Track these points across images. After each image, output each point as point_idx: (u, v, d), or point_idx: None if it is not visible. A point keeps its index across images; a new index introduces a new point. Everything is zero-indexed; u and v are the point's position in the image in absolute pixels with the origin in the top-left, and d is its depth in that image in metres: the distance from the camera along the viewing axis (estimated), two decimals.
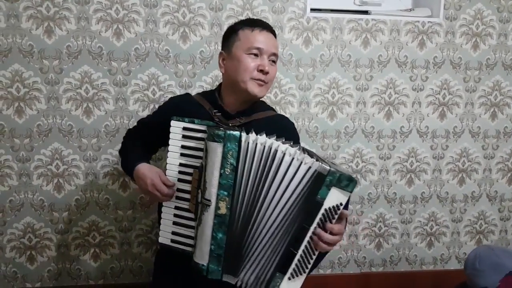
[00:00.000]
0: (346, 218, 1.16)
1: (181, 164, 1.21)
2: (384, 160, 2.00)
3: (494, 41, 1.96)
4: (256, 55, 1.28)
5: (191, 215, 1.20)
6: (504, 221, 2.13)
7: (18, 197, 1.79)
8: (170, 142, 1.22)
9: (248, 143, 1.11)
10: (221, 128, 1.13)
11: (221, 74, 1.85)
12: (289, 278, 1.13)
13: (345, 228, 1.15)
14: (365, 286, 2.06)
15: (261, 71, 1.27)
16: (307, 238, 1.10)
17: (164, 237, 1.24)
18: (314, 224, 1.09)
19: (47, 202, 1.81)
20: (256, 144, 1.11)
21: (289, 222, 1.11)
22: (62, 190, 1.81)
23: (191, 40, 1.78)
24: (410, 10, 1.97)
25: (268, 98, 1.86)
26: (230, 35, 1.33)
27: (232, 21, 1.77)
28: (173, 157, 1.22)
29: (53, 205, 1.81)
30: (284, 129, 1.31)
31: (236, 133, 1.10)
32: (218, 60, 1.37)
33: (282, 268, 1.12)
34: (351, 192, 1.07)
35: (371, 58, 1.90)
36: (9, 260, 1.83)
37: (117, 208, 1.85)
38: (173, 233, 1.23)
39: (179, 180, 1.22)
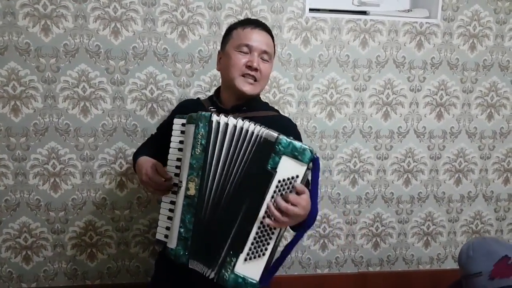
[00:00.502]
0: (309, 195, 1.07)
1: (178, 159, 1.22)
2: (382, 160, 2.00)
3: (491, 42, 1.98)
4: (246, 52, 1.30)
5: (177, 206, 1.19)
6: (500, 221, 2.14)
7: (14, 196, 1.77)
8: (172, 139, 1.24)
9: (219, 123, 1.10)
10: (193, 113, 1.17)
11: (219, 73, 1.87)
12: (246, 260, 1.06)
13: (306, 203, 1.06)
14: (362, 285, 2.07)
15: (249, 67, 1.29)
16: (261, 212, 1.04)
17: (160, 233, 1.23)
18: (268, 196, 1.03)
19: (43, 201, 1.79)
20: (227, 124, 1.09)
21: (241, 195, 1.07)
22: (58, 190, 1.80)
23: (189, 39, 1.77)
24: (408, 11, 1.98)
25: (267, 98, 1.86)
26: (226, 35, 1.38)
27: (231, 20, 1.78)
28: (173, 153, 1.24)
29: (50, 204, 1.80)
30: (285, 129, 1.14)
31: (207, 113, 1.12)
32: (217, 58, 1.42)
33: (236, 247, 1.05)
34: (307, 163, 1.01)
35: (369, 58, 1.91)
36: (4, 260, 1.81)
37: (114, 207, 1.84)
38: (168, 228, 1.20)
39: (176, 174, 1.22)
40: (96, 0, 1.69)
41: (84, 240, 1.84)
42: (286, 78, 1.86)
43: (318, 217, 1.99)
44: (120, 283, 1.89)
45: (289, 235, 1.75)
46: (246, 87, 1.31)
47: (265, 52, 1.32)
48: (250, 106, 1.36)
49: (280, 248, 1.14)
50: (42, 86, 1.72)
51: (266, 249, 1.06)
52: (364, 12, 1.92)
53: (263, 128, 1.07)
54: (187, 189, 1.12)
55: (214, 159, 1.11)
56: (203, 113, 1.13)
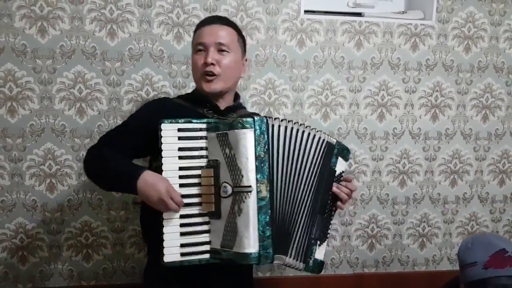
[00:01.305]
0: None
1: (181, 168, 1.16)
2: (377, 161, 2.01)
3: (485, 43, 1.99)
4: (202, 50, 1.30)
5: (202, 219, 1.17)
6: (496, 222, 2.14)
7: (10, 197, 1.78)
8: (164, 147, 1.15)
9: (273, 125, 1.18)
10: (237, 119, 1.17)
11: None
12: (319, 245, 1.27)
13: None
14: (358, 287, 2.07)
15: (205, 64, 1.28)
16: (328, 203, 1.28)
17: (171, 254, 1.14)
18: (331, 190, 1.27)
19: (39, 202, 1.80)
20: (279, 125, 1.19)
21: (314, 191, 1.24)
22: (54, 190, 1.80)
23: (185, 41, 1.78)
24: (403, 12, 1.99)
25: (262, 99, 1.87)
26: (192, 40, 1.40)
27: None
28: (171, 162, 1.15)
29: (46, 205, 1.81)
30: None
31: (263, 118, 1.16)
32: None
33: (316, 235, 1.26)
34: (348, 161, 1.32)
35: (364, 60, 1.92)
36: (0, 261, 1.81)
37: (109, 208, 1.85)
38: (182, 245, 1.15)
39: (182, 185, 1.16)
40: (92, 1, 1.71)
41: (80, 241, 1.85)
42: (281, 80, 1.87)
43: None
44: (116, 283, 1.89)
45: None
46: (205, 86, 1.30)
47: (220, 43, 1.29)
48: (237, 106, 1.39)
49: None
50: (39, 87, 1.74)
51: (329, 233, 1.30)
52: (359, 14, 1.93)
53: (320, 133, 1.26)
54: (259, 192, 1.13)
55: (279, 160, 1.19)
56: (258, 118, 1.15)
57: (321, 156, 1.24)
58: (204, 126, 1.18)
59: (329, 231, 1.30)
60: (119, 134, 1.29)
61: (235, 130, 1.13)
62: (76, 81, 1.75)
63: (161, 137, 1.15)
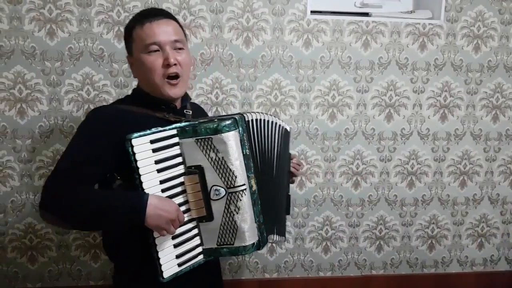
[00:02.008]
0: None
1: (162, 181, 1.10)
2: (385, 162, 1.99)
3: (495, 43, 1.96)
4: (157, 50, 1.16)
5: (191, 225, 1.16)
6: (506, 224, 2.11)
7: (19, 197, 1.80)
8: (139, 164, 1.05)
9: (249, 121, 1.21)
10: (215, 120, 1.15)
11: (222, 75, 1.88)
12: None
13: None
14: None
15: (167, 65, 1.16)
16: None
17: (169, 268, 1.11)
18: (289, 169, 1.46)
19: None
20: (253, 120, 1.22)
21: (282, 171, 1.36)
22: None
23: (191, 42, 1.79)
24: (411, 12, 1.97)
25: (268, 100, 1.87)
26: (128, 38, 1.23)
27: (232, 23, 1.79)
28: (151, 178, 1.08)
29: None
30: (199, 108, 1.53)
31: (241, 115, 1.18)
32: (129, 64, 1.28)
33: (287, 210, 1.45)
34: None
35: (371, 60, 1.90)
36: (10, 260, 1.84)
37: None
38: (178, 256, 1.14)
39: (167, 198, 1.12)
40: (100, 4, 1.72)
41: (88, 241, 1.87)
42: (288, 80, 1.87)
43: (320, 220, 1.99)
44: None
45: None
46: (172, 91, 1.19)
47: (176, 41, 1.18)
48: (187, 99, 1.33)
49: None
50: (47, 89, 1.76)
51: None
52: (366, 14, 1.92)
53: (277, 120, 1.35)
54: (251, 187, 1.17)
55: (258, 151, 1.24)
56: (237, 117, 1.15)
57: (284, 141, 1.36)
58: (174, 132, 1.13)
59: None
60: (81, 165, 1.07)
61: (222, 134, 1.10)
62: (84, 83, 1.76)
63: (134, 153, 1.05)
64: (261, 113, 1.29)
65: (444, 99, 1.98)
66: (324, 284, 2.03)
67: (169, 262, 1.12)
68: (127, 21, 1.69)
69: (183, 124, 1.16)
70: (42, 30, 1.71)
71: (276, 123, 1.33)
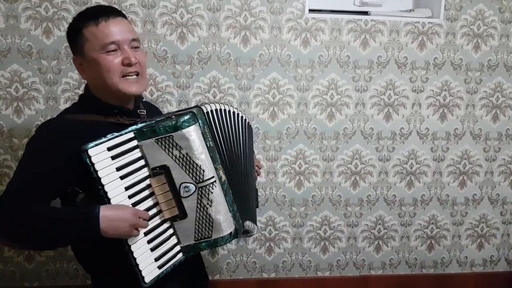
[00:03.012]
0: None
1: (127, 188, 1.07)
2: (384, 162, 1.98)
3: (495, 42, 1.94)
4: (114, 50, 1.11)
5: (165, 226, 1.14)
6: (506, 224, 2.09)
7: None
8: (100, 174, 1.02)
9: (208, 112, 1.19)
10: (172, 117, 1.14)
11: (219, 74, 1.86)
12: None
13: None
14: None
15: (128, 64, 1.11)
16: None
17: (150, 272, 1.10)
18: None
19: None
20: (212, 110, 1.21)
21: (252, 157, 1.40)
22: None
23: (188, 41, 1.78)
24: (410, 11, 1.96)
25: (266, 99, 1.86)
26: (76, 37, 1.14)
27: (230, 22, 1.78)
28: (115, 186, 1.05)
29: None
30: (154, 108, 1.47)
31: (199, 108, 1.16)
32: (75, 66, 1.19)
33: (256, 203, 1.45)
34: None
35: (370, 59, 1.89)
36: (7, 259, 1.84)
37: None
38: (156, 259, 1.11)
39: (134, 204, 1.08)
40: (96, 2, 1.71)
41: None
42: (286, 79, 1.86)
43: (318, 219, 1.98)
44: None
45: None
46: (133, 88, 1.14)
47: (133, 39, 1.14)
48: (140, 99, 1.26)
49: None
50: (44, 88, 1.75)
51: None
52: (365, 13, 1.91)
53: (239, 111, 1.35)
54: (220, 178, 1.16)
55: (222, 141, 1.22)
56: (195, 110, 1.14)
57: (248, 131, 1.37)
58: (132, 135, 1.09)
59: None
60: (32, 183, 1.02)
61: (182, 130, 1.07)
62: (81, 82, 1.76)
63: (93, 164, 1.00)
64: (220, 103, 1.27)
65: (444, 99, 1.96)
66: (322, 284, 2.02)
67: (149, 267, 1.10)
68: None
69: (139, 125, 1.11)
70: (39, 29, 1.71)
71: (236, 113, 1.33)
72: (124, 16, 1.17)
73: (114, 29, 1.11)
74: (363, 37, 1.87)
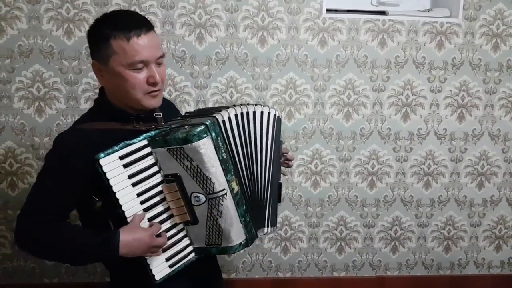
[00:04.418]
0: None
1: (139, 194, 1.08)
2: (401, 162, 1.97)
3: None
4: (141, 68, 1.09)
5: (177, 229, 1.15)
6: None
7: None
8: (112, 182, 1.03)
9: (224, 121, 1.14)
10: (186, 126, 1.08)
11: (237, 74, 1.85)
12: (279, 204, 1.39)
13: None
14: None
15: (153, 83, 1.10)
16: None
17: (160, 271, 1.12)
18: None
19: None
20: (229, 117, 1.16)
21: (275, 161, 1.28)
22: None
23: (207, 41, 1.79)
24: (429, 10, 1.95)
25: (283, 99, 1.87)
26: (101, 45, 1.09)
27: (247, 22, 1.79)
28: (126, 193, 1.06)
29: None
30: (171, 106, 1.42)
31: (212, 118, 1.11)
32: (93, 69, 1.14)
33: (279, 199, 1.37)
34: None
35: (388, 59, 1.88)
36: (28, 256, 1.87)
37: None
38: (167, 259, 1.14)
39: (146, 209, 1.10)
40: (116, 4, 1.74)
41: None
42: (303, 79, 1.86)
43: (334, 220, 1.98)
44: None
45: None
46: (153, 102, 1.13)
47: (160, 57, 1.12)
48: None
49: None
50: (65, 88, 1.78)
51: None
52: (383, 12, 1.90)
53: (268, 108, 1.25)
54: (232, 190, 1.13)
55: (238, 149, 1.17)
56: (208, 121, 1.08)
57: (274, 129, 1.26)
58: (145, 142, 1.08)
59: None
60: (52, 197, 1.06)
61: (193, 144, 1.04)
62: None
63: (105, 173, 1.02)
64: (239, 106, 1.20)
65: (462, 99, 1.95)
66: (338, 285, 2.02)
67: (159, 266, 1.12)
68: None
69: (153, 133, 1.11)
70: (60, 30, 1.74)
71: (259, 112, 1.22)
72: (153, 29, 1.13)
73: (145, 47, 1.07)
74: (380, 37, 1.86)
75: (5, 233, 1.85)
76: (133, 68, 1.07)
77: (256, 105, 1.24)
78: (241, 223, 1.17)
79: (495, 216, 2.05)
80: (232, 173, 1.14)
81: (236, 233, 1.16)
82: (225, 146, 1.13)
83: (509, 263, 2.10)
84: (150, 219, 1.10)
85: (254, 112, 1.21)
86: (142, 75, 1.08)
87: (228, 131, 1.15)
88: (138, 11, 1.74)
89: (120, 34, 1.05)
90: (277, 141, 1.29)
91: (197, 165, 1.08)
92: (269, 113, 1.24)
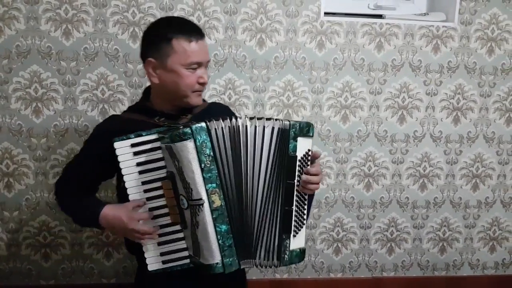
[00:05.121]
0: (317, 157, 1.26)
1: (144, 182, 1.16)
2: (397, 164, 1.99)
3: (510, 45, 1.95)
4: (195, 68, 1.22)
5: (176, 228, 1.17)
6: None
7: (34, 195, 1.82)
8: (122, 165, 1.15)
9: (216, 129, 1.12)
10: (180, 127, 1.10)
11: (235, 76, 1.85)
12: (294, 236, 1.19)
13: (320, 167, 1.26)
14: None
15: (202, 84, 1.25)
16: (295, 192, 1.18)
17: (154, 263, 1.18)
18: (297, 177, 1.17)
19: None
20: (222, 127, 1.12)
21: (275, 184, 1.16)
22: None
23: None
24: (425, 14, 1.97)
25: (281, 101, 1.88)
26: (162, 44, 1.21)
27: (246, 25, 1.80)
28: (132, 179, 1.16)
29: None
30: (224, 113, 1.29)
31: (203, 124, 1.09)
32: (145, 67, 1.26)
33: (286, 229, 1.17)
34: (312, 136, 1.19)
35: (384, 62, 1.90)
36: (24, 258, 1.86)
37: None
38: (162, 254, 1.18)
39: (149, 198, 1.17)
40: (115, 5, 1.74)
41: (101, 240, 1.88)
42: (300, 82, 1.87)
43: (331, 221, 2.00)
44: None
45: None
46: (197, 100, 1.27)
47: (208, 61, 1.28)
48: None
49: None
50: (63, 89, 1.78)
51: (305, 219, 1.21)
52: (379, 16, 1.92)
53: (272, 121, 1.16)
54: (211, 202, 1.10)
55: (229, 163, 1.13)
56: (197, 125, 1.09)
57: (275, 145, 1.15)
58: (155, 136, 1.15)
59: (304, 218, 1.21)
60: (79, 167, 1.31)
61: (176, 144, 1.07)
62: (99, 83, 1.78)
63: (117, 156, 1.15)
64: (246, 117, 1.15)
65: (457, 102, 1.97)
66: (334, 286, 2.04)
67: (153, 258, 1.18)
68: (141, 22, 1.74)
69: (162, 129, 1.17)
70: (58, 30, 1.73)
71: (259, 127, 1.15)
72: (205, 37, 1.28)
73: (201, 51, 1.22)
74: (378, 40, 1.88)
75: (1, 234, 1.83)
76: (189, 68, 1.21)
77: (259, 119, 1.16)
78: (217, 242, 1.11)
79: (489, 217, 2.08)
80: (215, 185, 1.10)
81: (209, 252, 1.11)
82: (212, 155, 1.10)
83: (503, 264, 2.13)
84: (150, 209, 1.17)
85: (247, 128, 1.14)
86: (194, 75, 1.22)
87: (220, 141, 1.13)
88: (137, 12, 1.75)
89: (183, 37, 1.20)
90: (281, 160, 1.15)
91: (181, 167, 1.10)
92: (270, 128, 1.15)
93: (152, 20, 1.73)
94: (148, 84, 1.34)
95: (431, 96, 1.95)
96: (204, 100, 1.38)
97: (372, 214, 2.01)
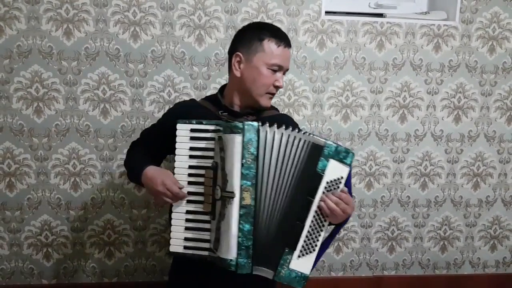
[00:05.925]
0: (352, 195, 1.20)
1: (190, 167, 1.22)
2: (398, 163, 1.99)
3: (511, 44, 1.95)
4: (276, 70, 1.29)
5: (205, 217, 1.19)
6: None
7: (35, 195, 1.83)
8: (177, 145, 1.23)
9: (266, 132, 1.14)
10: (232, 122, 1.15)
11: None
12: (299, 256, 1.13)
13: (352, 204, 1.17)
14: None
15: (277, 87, 1.31)
16: (312, 211, 1.12)
17: (176, 245, 1.21)
18: (318, 196, 1.12)
19: (63, 200, 1.84)
20: (274, 133, 1.14)
21: (295, 196, 1.14)
22: (78, 189, 1.84)
23: (206, 43, 1.80)
24: (426, 13, 1.97)
25: (282, 100, 1.88)
26: (254, 41, 1.28)
27: (247, 23, 1.79)
28: (182, 160, 1.23)
29: (70, 203, 1.85)
30: (287, 124, 1.24)
31: (255, 123, 1.12)
32: (231, 60, 1.32)
33: (291, 243, 1.12)
34: (349, 164, 1.12)
35: (385, 61, 1.90)
36: (26, 257, 1.86)
37: (132, 207, 1.88)
38: (186, 239, 1.21)
39: (190, 183, 1.21)
40: (116, 4, 1.74)
41: (103, 239, 1.89)
42: (301, 81, 1.87)
43: None
44: (137, 281, 1.92)
45: None
46: (267, 102, 1.33)
47: (287, 69, 1.34)
48: (260, 110, 1.36)
49: None
50: (64, 88, 1.78)
51: (316, 245, 1.14)
52: (380, 15, 1.92)
53: (309, 135, 1.16)
54: (242, 199, 1.11)
55: (266, 167, 1.14)
56: (250, 123, 1.12)
57: (302, 159, 1.15)
58: (213, 127, 1.20)
59: (316, 243, 1.13)
60: (149, 135, 1.44)
61: (226, 135, 1.14)
62: (100, 82, 1.78)
63: (176, 136, 1.23)
64: (296, 129, 1.17)
65: (458, 101, 1.97)
66: (335, 284, 2.04)
67: (177, 240, 1.21)
68: (142, 21, 1.74)
69: (221, 122, 1.22)
70: (59, 30, 1.73)
71: (296, 138, 1.16)
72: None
73: (285, 57, 1.30)
74: (378, 39, 1.88)
75: (3, 234, 1.84)
76: (270, 68, 1.28)
77: (302, 132, 1.16)
78: (236, 239, 1.10)
79: (490, 216, 2.08)
80: (250, 184, 1.11)
81: (227, 246, 1.11)
82: (255, 155, 1.11)
83: (504, 262, 2.13)
84: (188, 193, 1.21)
85: (294, 137, 1.15)
86: (272, 77, 1.29)
87: (267, 146, 1.14)
88: (137, 12, 1.75)
89: (274, 40, 1.28)
90: (308, 174, 1.13)
91: (225, 158, 1.13)
92: (304, 141, 1.15)
93: (153, 19, 1.75)
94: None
95: (432, 95, 1.95)
96: (275, 109, 1.45)
97: (373, 213, 2.01)
